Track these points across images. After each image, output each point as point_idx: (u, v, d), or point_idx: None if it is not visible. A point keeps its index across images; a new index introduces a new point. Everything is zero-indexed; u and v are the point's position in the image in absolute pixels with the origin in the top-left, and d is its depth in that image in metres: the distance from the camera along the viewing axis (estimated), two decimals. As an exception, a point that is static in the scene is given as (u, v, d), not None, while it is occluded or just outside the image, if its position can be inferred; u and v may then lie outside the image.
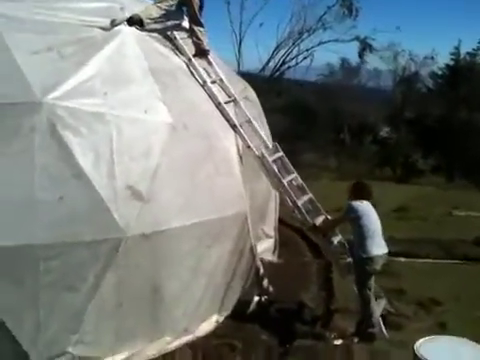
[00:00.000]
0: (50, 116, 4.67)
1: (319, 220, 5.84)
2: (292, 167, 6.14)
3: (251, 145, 5.81)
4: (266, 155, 5.76)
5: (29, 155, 4.56)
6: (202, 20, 6.15)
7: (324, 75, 28.92)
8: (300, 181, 6.14)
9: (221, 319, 5.74)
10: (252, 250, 5.87)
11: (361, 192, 5.59)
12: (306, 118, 24.91)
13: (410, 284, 6.77)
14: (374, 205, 5.64)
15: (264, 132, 6.70)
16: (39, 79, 4.78)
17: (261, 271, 6.17)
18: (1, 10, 5.09)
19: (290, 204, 5.80)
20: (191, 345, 5.27)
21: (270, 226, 7.44)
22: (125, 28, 5.50)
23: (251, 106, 6.76)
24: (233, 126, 5.81)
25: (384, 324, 5.69)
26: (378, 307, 5.77)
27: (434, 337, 5.41)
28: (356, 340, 5.42)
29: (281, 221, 8.13)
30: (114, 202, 4.72)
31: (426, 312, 6.12)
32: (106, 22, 5.40)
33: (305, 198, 6.02)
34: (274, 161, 5.98)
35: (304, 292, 6.53)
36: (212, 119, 5.71)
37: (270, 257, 7.48)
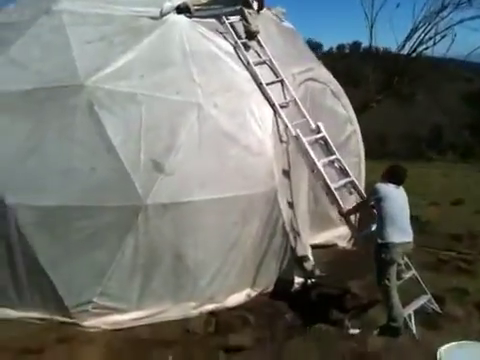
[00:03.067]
0: (89, 97, 5.40)
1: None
2: (334, 149, 5.95)
3: (289, 124, 5.80)
4: (300, 135, 5.70)
5: (71, 130, 5.37)
6: (253, 1, 6.33)
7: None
8: (343, 164, 5.92)
9: (253, 294, 5.91)
10: (284, 229, 5.86)
11: (391, 175, 5.22)
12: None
13: (481, 285, 6.02)
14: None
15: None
16: (86, 65, 5.56)
17: (303, 253, 6.14)
18: (66, 6, 6.03)
19: (323, 186, 5.67)
20: (210, 312, 5.59)
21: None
22: (173, 16, 5.97)
23: (315, 84, 6.73)
24: (272, 105, 5.87)
25: (422, 322, 5.26)
26: (415, 303, 5.34)
27: (465, 342, 4.89)
28: (375, 332, 5.11)
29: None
30: (137, 173, 5.26)
31: (482, 316, 5.42)
32: (156, 12, 5.94)
33: (344, 181, 5.82)
34: (314, 141, 5.89)
35: (358, 280, 6.29)
36: (250, 99, 5.85)
37: (344, 244, 7.33)
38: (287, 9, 7.63)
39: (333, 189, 5.62)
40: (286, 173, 6.02)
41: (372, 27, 14.50)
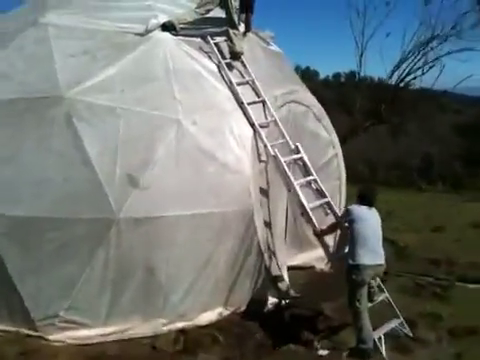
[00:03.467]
0: (69, 108, 5.42)
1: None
2: (312, 170, 5.98)
3: (268, 144, 5.83)
4: (279, 155, 5.73)
5: (48, 141, 5.37)
6: (240, 23, 6.43)
7: None
8: (320, 185, 5.94)
9: (225, 312, 5.86)
10: (260, 248, 5.83)
11: (362, 197, 5.26)
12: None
13: (455, 311, 6.00)
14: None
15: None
16: (67, 77, 5.58)
17: (278, 274, 6.11)
18: (52, 20, 6.06)
19: (299, 206, 5.68)
20: (180, 330, 5.52)
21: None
22: (158, 33, 6.03)
23: (298, 107, 6.82)
24: (252, 125, 5.90)
25: (392, 346, 5.22)
26: (386, 326, 5.31)
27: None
28: (345, 354, 5.07)
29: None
30: (112, 186, 5.25)
31: (453, 341, 5.38)
32: (141, 28, 5.99)
33: (319, 202, 5.84)
34: (292, 162, 5.93)
35: (332, 302, 6.26)
36: (230, 117, 5.88)
37: (322, 266, 7.29)
38: (285, 37, 7.76)
39: (308, 209, 5.63)
40: (264, 192, 6.02)
41: (362, 55, 14.75)
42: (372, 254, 5.03)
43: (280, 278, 6.16)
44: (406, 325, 5.48)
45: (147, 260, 5.40)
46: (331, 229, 5.52)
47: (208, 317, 5.75)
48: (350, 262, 5.02)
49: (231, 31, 6.23)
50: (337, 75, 49.10)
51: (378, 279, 5.45)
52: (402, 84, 13.90)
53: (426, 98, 15.60)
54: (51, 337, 5.26)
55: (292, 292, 6.28)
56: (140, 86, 5.68)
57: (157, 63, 5.87)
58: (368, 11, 14.45)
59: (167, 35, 6.07)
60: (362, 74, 15.36)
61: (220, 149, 5.71)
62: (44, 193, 5.24)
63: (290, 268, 6.94)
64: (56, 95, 5.48)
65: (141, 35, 5.96)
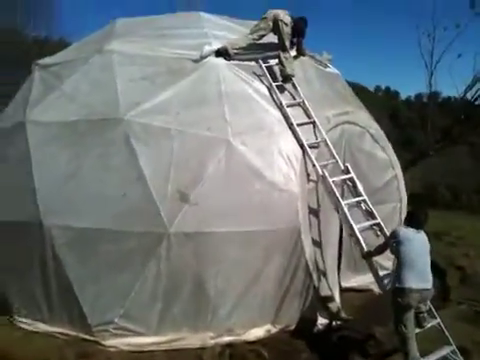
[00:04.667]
0: (127, 129, 5.83)
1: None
2: (362, 190, 5.94)
3: (316, 164, 5.90)
4: (327, 175, 5.78)
5: (107, 159, 5.80)
6: (293, 47, 6.60)
7: None
8: (370, 205, 5.89)
9: (274, 330, 5.93)
10: (308, 267, 5.86)
11: (410, 219, 5.16)
12: None
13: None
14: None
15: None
16: (127, 100, 6.00)
17: (328, 294, 6.08)
18: (116, 47, 6.55)
19: (347, 227, 5.67)
20: (227, 344, 5.64)
21: (385, 257, 7.09)
22: (213, 59, 6.33)
23: (352, 128, 6.88)
24: (301, 145, 6.01)
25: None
26: (437, 353, 5.10)
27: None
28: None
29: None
30: (163, 203, 5.56)
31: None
32: (197, 55, 6.33)
33: (369, 223, 5.80)
34: (342, 182, 5.95)
35: (385, 326, 6.10)
36: (279, 138, 6.03)
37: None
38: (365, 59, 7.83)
39: (356, 230, 5.61)
40: (313, 212, 6.08)
41: (431, 76, 14.38)
42: (419, 278, 4.90)
43: (330, 299, 6.13)
44: (458, 353, 5.23)
45: (196, 274, 5.62)
46: (378, 251, 5.43)
47: (256, 333, 5.86)
48: (396, 285, 4.93)
49: (282, 55, 6.43)
50: (419, 96, 47.94)
51: (429, 304, 5.28)
52: (477, 102, 13.39)
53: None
54: (106, 342, 5.61)
55: (343, 314, 6.24)
56: (193, 109, 5.99)
57: (210, 87, 6.16)
58: (437, 32, 14.08)
59: (221, 60, 6.35)
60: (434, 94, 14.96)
61: (268, 168, 5.86)
62: (102, 207, 5.65)
63: (346, 290, 6.94)
64: (116, 117, 5.91)
65: (196, 61, 6.30)
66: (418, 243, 5.03)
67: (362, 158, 6.94)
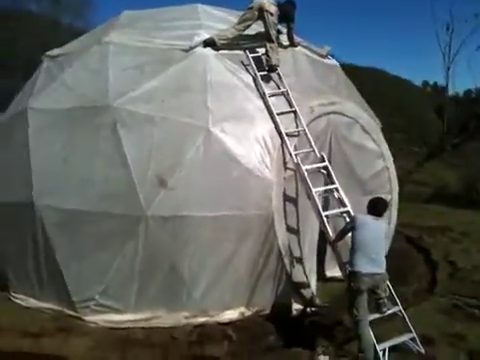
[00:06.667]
0: (114, 116, 6.13)
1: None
2: (335, 179, 6.03)
3: (292, 153, 6.02)
4: (300, 163, 5.91)
5: (95, 144, 6.12)
6: (280, 37, 6.73)
7: None
8: (342, 194, 5.97)
9: (248, 313, 6.11)
10: (280, 254, 6.01)
11: (370, 207, 5.24)
12: None
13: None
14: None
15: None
16: (117, 89, 6.30)
17: (302, 281, 6.22)
18: (113, 38, 6.85)
19: (316, 214, 5.80)
20: (200, 325, 5.88)
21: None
22: (201, 49, 6.52)
23: (340, 118, 6.93)
24: (279, 134, 6.14)
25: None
26: (395, 339, 5.19)
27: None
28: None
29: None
30: (143, 187, 5.83)
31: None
32: (187, 45, 6.54)
33: (339, 210, 5.89)
34: (316, 170, 6.07)
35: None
36: (259, 126, 6.18)
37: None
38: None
39: (323, 216, 5.74)
40: (291, 199, 6.22)
41: (449, 69, 14.06)
42: (371, 262, 4.99)
43: (304, 285, 6.27)
44: (417, 341, 5.28)
45: (172, 256, 5.88)
46: (339, 237, 5.52)
47: (230, 315, 6.07)
48: (348, 269, 5.04)
49: (268, 45, 6.56)
50: (468, 92, 46.73)
51: (388, 291, 5.34)
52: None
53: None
54: (87, 318, 5.97)
55: (318, 301, 6.37)
56: (178, 96, 6.22)
57: (196, 76, 6.37)
58: (456, 24, 13.71)
59: (209, 50, 6.54)
60: (450, 87, 14.64)
61: (246, 155, 6.02)
62: (88, 190, 5.99)
63: (330, 279, 7.05)
64: (105, 104, 6.21)
65: (185, 51, 6.52)
66: (374, 229, 5.12)
67: (350, 148, 6.99)
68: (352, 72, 10.47)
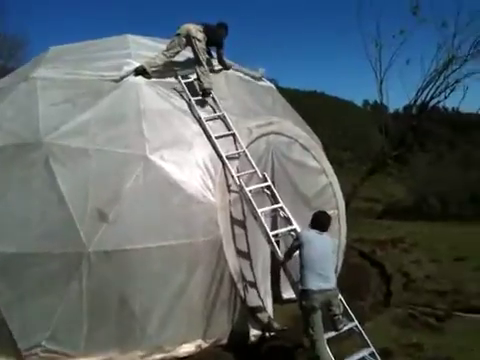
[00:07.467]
0: (46, 152, 5.89)
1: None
2: (279, 198, 5.99)
3: (234, 175, 5.95)
4: (243, 185, 5.85)
5: (29, 182, 5.84)
6: (212, 59, 6.82)
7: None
8: (287, 213, 5.92)
9: (205, 344, 5.88)
10: (232, 279, 5.86)
11: (313, 221, 5.19)
12: None
13: (441, 342, 5.63)
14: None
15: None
16: (47, 124, 6.09)
17: (257, 305, 6.06)
18: (41, 73, 6.69)
19: (263, 235, 5.72)
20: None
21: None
22: (133, 78, 6.43)
23: (279, 138, 6.91)
24: (220, 157, 6.06)
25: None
26: (354, 356, 5.06)
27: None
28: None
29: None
30: (82, 222, 5.58)
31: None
32: (117, 75, 6.43)
33: (286, 229, 5.83)
34: (260, 190, 6.01)
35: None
36: (198, 151, 6.08)
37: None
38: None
39: (271, 236, 5.66)
40: (239, 222, 6.10)
41: (381, 83, 14.48)
42: (319, 279, 4.88)
43: (260, 309, 6.11)
44: (376, 355, 5.16)
45: (120, 292, 5.61)
46: (288, 255, 5.40)
47: (186, 349, 5.82)
48: (299, 287, 4.93)
49: (199, 69, 6.53)
50: (408, 107, 48.54)
51: (342, 307, 5.24)
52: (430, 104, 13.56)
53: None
54: (35, 366, 5.56)
55: (276, 324, 6.20)
56: (111, 127, 6.07)
57: (129, 105, 6.26)
58: (385, 39, 14.23)
59: (141, 79, 6.46)
60: (385, 103, 15.07)
61: (187, 181, 5.89)
62: (25, 231, 5.66)
63: (287, 301, 6.88)
64: (36, 141, 5.97)
65: (117, 81, 6.40)
66: (320, 245, 5.03)
67: (292, 167, 6.98)
68: (294, 96, 10.71)
